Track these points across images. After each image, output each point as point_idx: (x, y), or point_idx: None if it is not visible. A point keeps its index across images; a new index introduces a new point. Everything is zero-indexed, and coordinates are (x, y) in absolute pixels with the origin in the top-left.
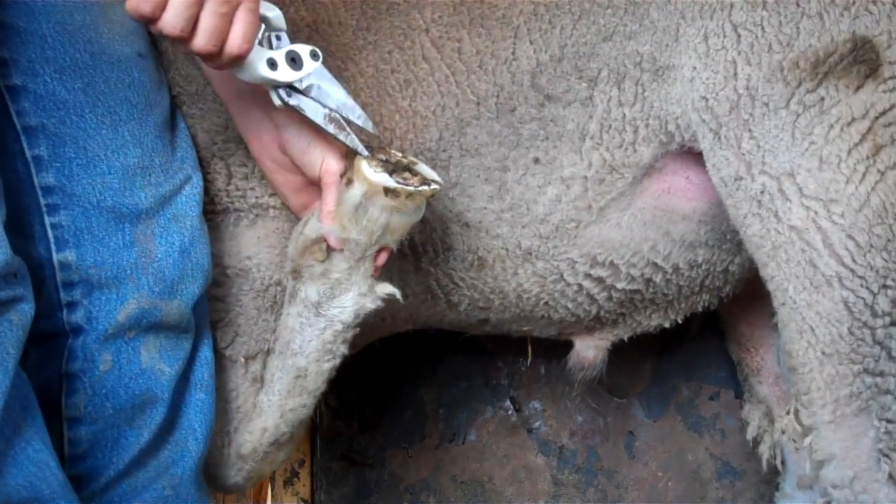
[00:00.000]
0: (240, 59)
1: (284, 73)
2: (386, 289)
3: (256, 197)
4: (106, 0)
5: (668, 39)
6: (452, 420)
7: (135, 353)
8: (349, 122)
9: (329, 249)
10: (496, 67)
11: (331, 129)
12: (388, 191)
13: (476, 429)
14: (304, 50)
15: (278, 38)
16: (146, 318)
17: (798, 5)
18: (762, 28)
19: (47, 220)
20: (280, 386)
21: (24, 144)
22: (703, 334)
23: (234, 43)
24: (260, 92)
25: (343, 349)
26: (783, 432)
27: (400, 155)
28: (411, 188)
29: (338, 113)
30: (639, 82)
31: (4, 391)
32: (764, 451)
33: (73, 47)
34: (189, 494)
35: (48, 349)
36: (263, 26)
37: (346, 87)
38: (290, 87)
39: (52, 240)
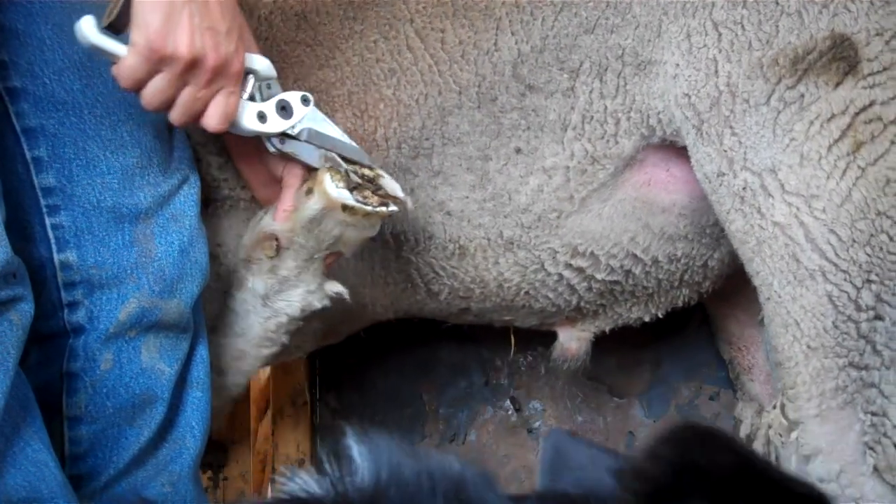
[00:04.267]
0: (217, 133)
1: (274, 124)
2: (335, 287)
3: (229, 189)
4: (103, 2)
5: (650, 35)
6: (452, 420)
7: (135, 353)
8: (344, 159)
9: (279, 248)
10: (478, 57)
11: (326, 167)
12: (345, 207)
13: (476, 429)
14: (294, 97)
15: (269, 86)
16: (147, 317)
17: (777, 4)
18: (742, 26)
19: (48, 221)
20: (217, 363)
21: (24, 146)
22: (702, 334)
23: (210, 122)
24: None
25: (284, 339)
26: (770, 427)
27: (366, 170)
28: (369, 208)
29: (333, 152)
30: (620, 75)
31: (4, 391)
32: (757, 448)
33: (72, 49)
34: (188, 491)
35: (49, 349)
36: (252, 79)
37: (339, 125)
38: (284, 134)
39: (52, 240)
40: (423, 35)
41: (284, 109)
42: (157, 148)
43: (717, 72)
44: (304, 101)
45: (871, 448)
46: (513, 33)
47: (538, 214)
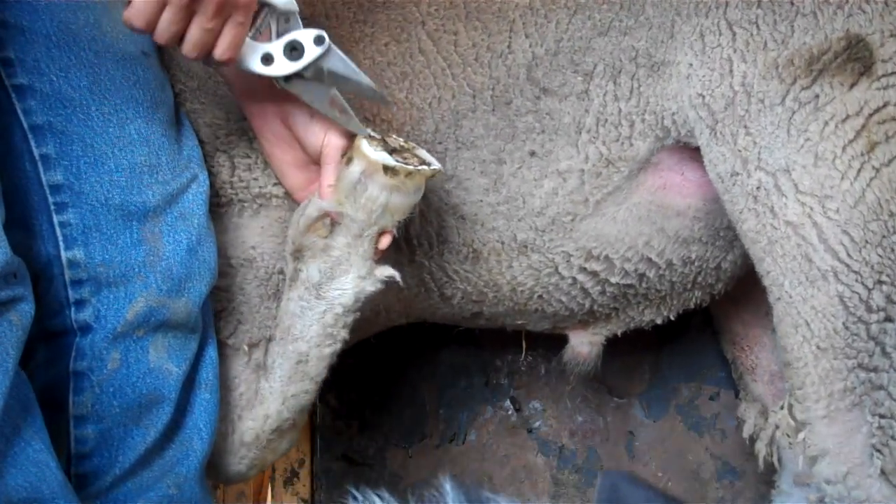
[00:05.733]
0: (226, 64)
1: (280, 67)
2: (386, 271)
3: (260, 187)
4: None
5: (663, 36)
6: (452, 420)
7: (143, 353)
8: (351, 103)
9: (332, 224)
10: (492, 60)
11: (335, 113)
12: (387, 169)
13: (476, 429)
14: (307, 36)
15: (286, 20)
16: (154, 316)
17: (792, 4)
18: (757, 26)
19: (55, 219)
20: (281, 372)
21: (32, 143)
22: (702, 335)
23: (218, 52)
24: None
25: (344, 334)
26: (777, 427)
27: (401, 140)
28: (410, 167)
29: (346, 89)
30: (634, 77)
31: (4, 392)
32: (760, 448)
33: (78, 46)
34: (193, 493)
35: (56, 347)
36: (266, 13)
37: (356, 63)
38: (292, 75)
39: (60, 238)
40: (436, 38)
41: (295, 50)
42: (166, 146)
43: (731, 72)
44: (318, 41)
45: (879, 450)
46: (527, 36)
47: (552, 218)
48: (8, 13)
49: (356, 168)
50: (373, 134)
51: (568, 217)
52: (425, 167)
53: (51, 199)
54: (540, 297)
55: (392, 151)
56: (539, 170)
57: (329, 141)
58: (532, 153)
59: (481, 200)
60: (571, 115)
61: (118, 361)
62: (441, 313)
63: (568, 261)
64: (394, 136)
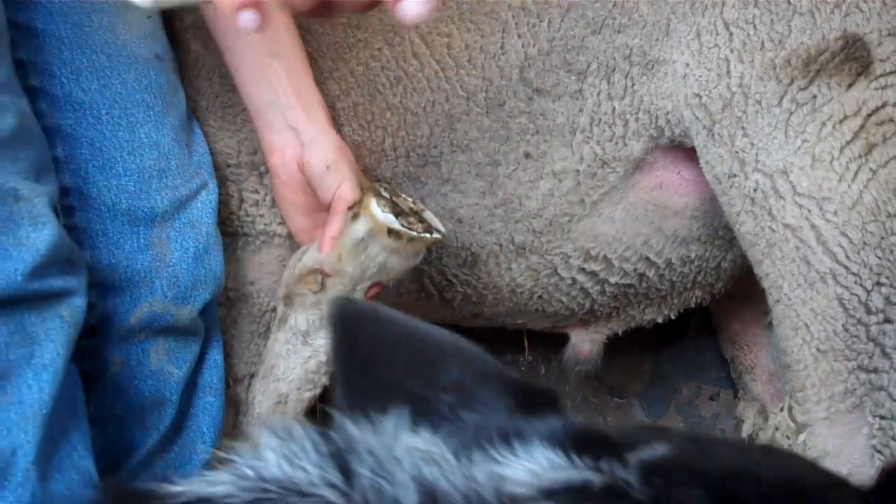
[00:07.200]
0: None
1: None
2: None
3: (265, 224)
4: (123, 1)
5: (658, 34)
6: None
7: (144, 355)
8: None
9: (324, 280)
10: (485, 62)
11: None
12: (391, 232)
13: None
14: None
15: None
16: (158, 321)
17: (789, 3)
18: (754, 26)
19: (62, 222)
20: (260, 410)
21: None
22: (702, 334)
23: None
24: (290, 108)
25: (325, 380)
26: (777, 429)
27: (410, 201)
28: (413, 233)
29: None
30: (628, 76)
31: (53, 394)
32: None
33: (90, 49)
34: None
35: None
36: None
37: None
38: None
39: None
40: (429, 41)
41: None
42: (175, 151)
43: (729, 72)
44: None
45: (879, 451)
46: (519, 36)
47: (549, 219)
48: (21, 15)
49: (361, 226)
50: (383, 193)
51: (565, 218)
52: (427, 235)
53: (58, 203)
54: (540, 297)
55: (399, 213)
56: (534, 171)
57: (341, 193)
58: (527, 155)
59: (478, 203)
60: (565, 115)
61: (120, 364)
62: (441, 315)
63: (566, 261)
64: (404, 195)
